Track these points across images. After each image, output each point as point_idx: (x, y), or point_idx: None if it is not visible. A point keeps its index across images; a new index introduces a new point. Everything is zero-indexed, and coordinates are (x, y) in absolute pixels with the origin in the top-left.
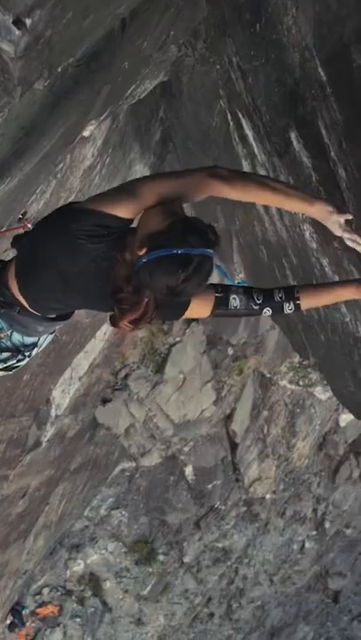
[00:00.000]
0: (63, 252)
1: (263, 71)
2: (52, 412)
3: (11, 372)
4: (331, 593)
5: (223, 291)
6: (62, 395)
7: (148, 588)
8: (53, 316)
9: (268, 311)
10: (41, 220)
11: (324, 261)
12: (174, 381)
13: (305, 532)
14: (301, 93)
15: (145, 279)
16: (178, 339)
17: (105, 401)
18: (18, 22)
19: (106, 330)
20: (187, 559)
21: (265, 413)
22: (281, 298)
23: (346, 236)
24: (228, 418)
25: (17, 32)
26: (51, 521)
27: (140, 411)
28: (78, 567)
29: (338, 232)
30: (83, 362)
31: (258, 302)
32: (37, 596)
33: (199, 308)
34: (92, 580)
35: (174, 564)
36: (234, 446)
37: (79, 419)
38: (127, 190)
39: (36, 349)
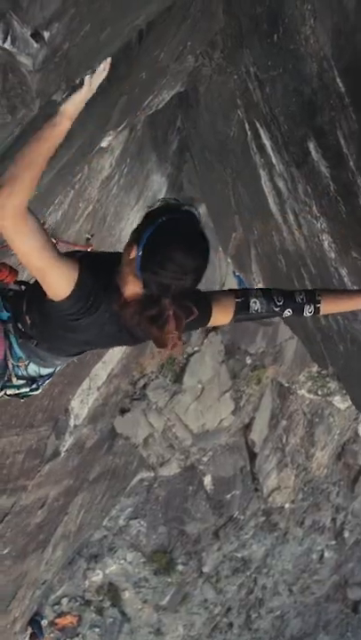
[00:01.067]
0: (72, 333)
1: (281, 81)
2: (71, 422)
3: (22, 400)
4: (350, 603)
5: (243, 295)
6: (81, 405)
7: (167, 598)
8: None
9: (288, 312)
10: (38, 298)
11: (343, 271)
12: (193, 391)
13: (324, 541)
14: (319, 103)
15: (154, 274)
16: (196, 348)
17: (123, 411)
18: (36, 35)
19: None
20: (206, 569)
21: (284, 423)
22: (302, 299)
23: None
24: (247, 427)
25: (35, 45)
26: (69, 531)
27: (159, 420)
28: (97, 577)
29: None
30: (101, 372)
31: (279, 304)
32: (56, 607)
33: (221, 315)
34: (111, 590)
35: (193, 574)
36: (253, 456)
37: (98, 429)
38: (42, 276)
39: (50, 379)
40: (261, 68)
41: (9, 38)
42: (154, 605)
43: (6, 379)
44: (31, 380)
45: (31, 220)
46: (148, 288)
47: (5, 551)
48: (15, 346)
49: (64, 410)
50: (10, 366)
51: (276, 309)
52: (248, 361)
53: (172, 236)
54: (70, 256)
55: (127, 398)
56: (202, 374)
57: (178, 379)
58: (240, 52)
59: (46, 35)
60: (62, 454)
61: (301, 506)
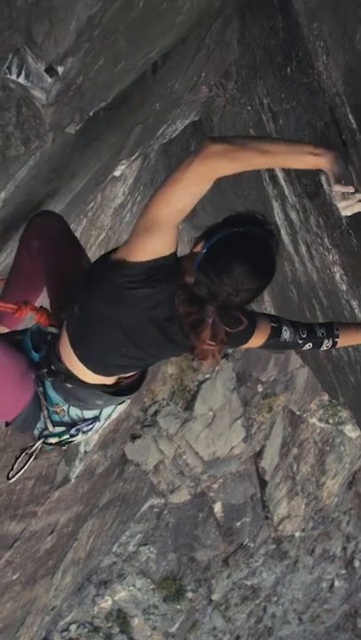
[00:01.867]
0: (119, 307)
1: (294, 114)
2: (81, 449)
3: (64, 447)
4: (360, 632)
5: (278, 321)
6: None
7: (177, 625)
8: (112, 381)
9: (309, 345)
10: (82, 286)
11: (355, 303)
12: (204, 418)
13: (334, 570)
14: (332, 137)
15: (207, 278)
16: (207, 375)
17: (134, 437)
18: (50, 70)
19: None
20: (215, 597)
21: (295, 451)
22: (322, 334)
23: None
24: (258, 455)
25: (49, 80)
26: (79, 557)
27: (170, 447)
28: (106, 604)
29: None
30: None
31: (303, 337)
32: (65, 633)
33: (256, 338)
34: (120, 617)
35: (203, 602)
36: (263, 484)
37: (108, 455)
38: (151, 228)
39: (99, 423)
40: (275, 100)
41: (23, 73)
42: (163, 632)
43: (43, 427)
44: (70, 426)
45: (204, 189)
46: (198, 287)
47: (15, 577)
48: (50, 391)
49: None
50: (44, 414)
51: (300, 341)
52: (259, 389)
53: (240, 248)
54: None
55: (138, 425)
56: (213, 402)
57: (189, 406)
58: (254, 84)
59: (60, 69)
60: (72, 480)
61: (312, 534)
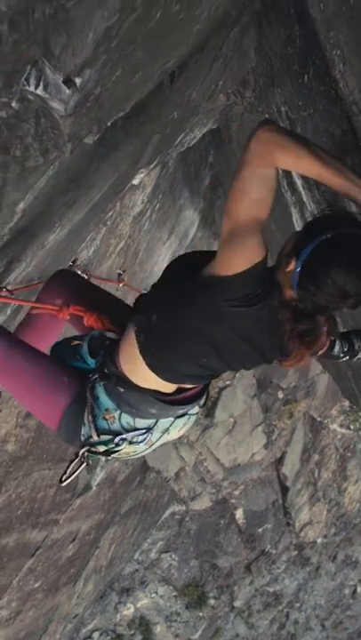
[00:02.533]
0: (215, 325)
1: (311, 121)
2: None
3: (109, 458)
4: None
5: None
6: None
7: (199, 632)
8: (170, 389)
9: (346, 358)
10: (165, 295)
11: None
12: (224, 425)
13: (357, 576)
14: (349, 145)
15: (310, 293)
16: (228, 382)
17: None
18: (68, 81)
19: None
20: (237, 603)
21: (316, 457)
22: (359, 347)
23: None
24: (279, 461)
25: (67, 91)
26: (101, 565)
27: (191, 454)
28: (128, 611)
29: None
30: None
31: (344, 350)
32: None
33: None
34: (143, 624)
35: (225, 609)
36: (285, 490)
37: (129, 463)
38: (235, 232)
39: (152, 435)
40: (293, 108)
41: (41, 84)
42: None
43: (88, 434)
44: (116, 434)
45: (269, 174)
46: (303, 304)
47: (37, 585)
48: (102, 395)
49: None
50: (89, 418)
51: (341, 355)
52: (280, 395)
53: (334, 255)
54: None
55: None
56: (234, 408)
57: (210, 413)
58: (271, 92)
59: (78, 81)
60: (94, 488)
61: (334, 540)
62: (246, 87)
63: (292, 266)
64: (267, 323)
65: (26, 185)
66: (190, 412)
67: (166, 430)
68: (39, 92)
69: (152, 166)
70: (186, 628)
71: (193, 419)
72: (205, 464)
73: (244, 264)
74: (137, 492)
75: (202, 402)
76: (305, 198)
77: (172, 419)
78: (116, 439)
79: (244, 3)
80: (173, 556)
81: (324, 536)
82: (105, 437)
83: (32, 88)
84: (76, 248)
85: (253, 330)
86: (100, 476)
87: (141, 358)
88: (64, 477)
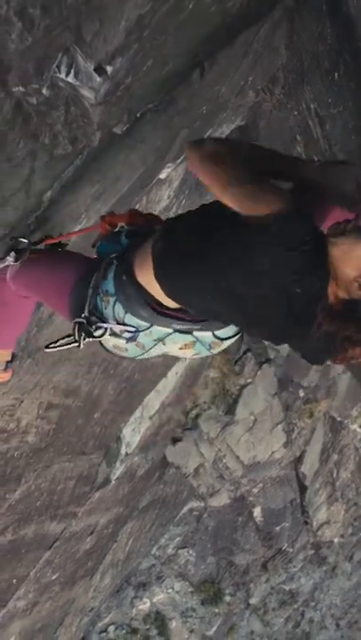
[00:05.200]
0: (241, 269)
1: (341, 118)
2: (122, 451)
3: (86, 340)
4: None
5: None
6: (132, 433)
7: (214, 628)
8: (171, 303)
9: None
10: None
11: None
12: (245, 422)
13: None
14: None
15: None
16: (249, 380)
17: (175, 440)
18: (99, 69)
19: (177, 369)
20: (253, 601)
21: (335, 457)
22: None
23: None
24: (298, 460)
25: (98, 79)
26: (118, 559)
27: (210, 451)
28: (144, 606)
29: None
30: (154, 401)
31: None
32: (103, 634)
33: None
34: (158, 619)
35: (240, 606)
36: (303, 489)
37: (149, 457)
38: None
39: (143, 338)
40: (322, 105)
41: (72, 72)
42: (201, 635)
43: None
44: (102, 321)
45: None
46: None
47: (54, 577)
48: (109, 277)
49: (116, 438)
50: (88, 292)
51: None
52: (301, 394)
53: None
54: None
55: (179, 428)
56: (254, 406)
57: (230, 410)
58: (301, 89)
59: (109, 69)
60: (113, 482)
61: (351, 541)
62: (276, 84)
63: None
64: (297, 301)
65: (53, 174)
66: (197, 334)
67: (161, 340)
68: (70, 79)
69: (179, 161)
70: (201, 623)
71: (203, 349)
72: (225, 461)
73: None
74: (156, 488)
75: (222, 332)
76: None
77: (169, 330)
78: (98, 324)
79: None
80: (190, 552)
81: (341, 536)
82: (94, 318)
83: (63, 75)
84: None
85: (280, 299)
86: (119, 469)
87: (151, 266)
88: (51, 345)
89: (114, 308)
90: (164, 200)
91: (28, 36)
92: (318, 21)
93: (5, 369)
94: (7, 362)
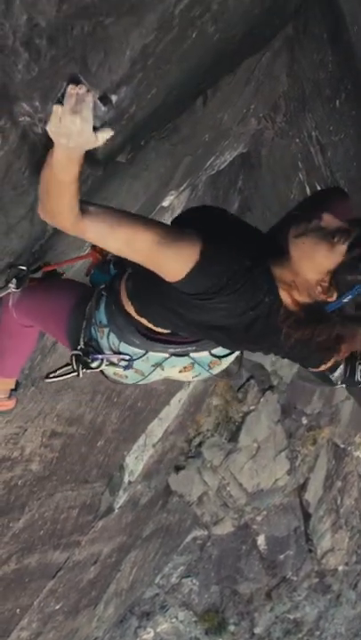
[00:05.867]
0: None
1: (342, 146)
2: (125, 479)
3: (83, 371)
4: None
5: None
6: (136, 461)
7: None
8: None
9: (341, 386)
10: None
11: None
12: (248, 450)
13: None
14: None
15: (348, 317)
16: (252, 407)
17: (178, 468)
18: (104, 98)
19: (180, 397)
20: (258, 630)
21: (338, 484)
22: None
23: None
24: (302, 487)
25: (103, 108)
26: (122, 588)
27: (214, 479)
28: (148, 635)
29: None
30: (157, 429)
31: (345, 376)
32: None
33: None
34: None
35: (245, 635)
36: (307, 516)
37: (152, 486)
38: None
39: (140, 365)
40: (323, 133)
41: None
42: None
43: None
44: (98, 352)
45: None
46: (329, 321)
47: (57, 607)
48: (101, 307)
49: (119, 466)
50: (83, 324)
51: (339, 382)
52: (304, 421)
53: None
54: (185, 227)
55: (182, 456)
56: (257, 433)
57: (233, 437)
58: (302, 116)
59: (114, 98)
60: (116, 511)
61: (355, 569)
62: (277, 112)
63: (330, 297)
64: (266, 322)
65: None
66: (194, 355)
67: (159, 365)
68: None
69: (182, 188)
70: None
71: (203, 370)
72: (228, 489)
73: (179, 271)
74: (159, 516)
75: (218, 351)
76: None
77: (166, 354)
78: (94, 355)
79: (277, 26)
80: (194, 581)
81: (346, 564)
82: (90, 349)
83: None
84: None
85: (254, 326)
86: (122, 498)
87: (129, 302)
88: (51, 375)
89: (108, 338)
90: None
91: (35, 66)
92: (319, 49)
93: (9, 397)
94: (11, 390)
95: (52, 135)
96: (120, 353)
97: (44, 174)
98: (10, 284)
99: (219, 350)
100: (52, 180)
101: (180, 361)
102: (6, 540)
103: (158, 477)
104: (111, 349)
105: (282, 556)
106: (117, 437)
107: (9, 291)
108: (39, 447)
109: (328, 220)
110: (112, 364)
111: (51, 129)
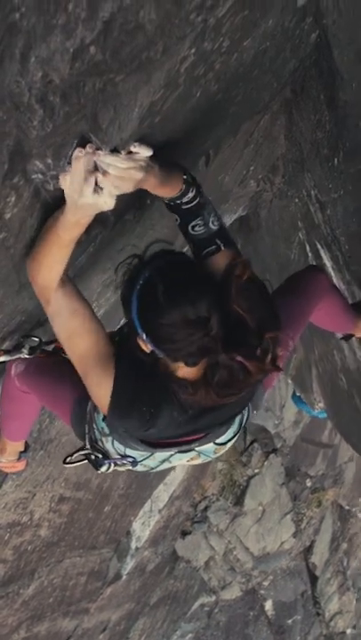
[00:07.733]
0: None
1: (341, 203)
2: (133, 545)
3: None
4: None
5: None
6: (142, 527)
7: None
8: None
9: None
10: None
11: None
12: (253, 513)
13: None
14: None
15: (177, 353)
16: (256, 470)
17: (184, 533)
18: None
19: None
20: None
21: (344, 545)
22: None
23: None
24: (308, 550)
25: None
26: None
27: (220, 543)
28: None
29: None
30: (163, 494)
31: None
32: None
33: None
34: None
35: None
36: (314, 579)
37: (159, 552)
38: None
39: (147, 462)
40: (322, 191)
41: None
42: None
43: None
44: (105, 456)
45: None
46: (191, 364)
47: None
48: (102, 415)
49: (126, 532)
50: (85, 429)
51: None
52: (308, 483)
53: (154, 302)
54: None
55: (188, 521)
56: (262, 496)
57: (239, 501)
58: (301, 177)
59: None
60: (124, 577)
61: None
62: (276, 173)
63: (145, 346)
64: (189, 411)
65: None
66: (199, 448)
67: (166, 460)
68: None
69: (185, 250)
70: None
71: (208, 457)
72: (235, 553)
73: (104, 400)
74: (166, 583)
75: (223, 438)
76: (335, 279)
77: (171, 452)
78: (101, 460)
79: (275, 89)
80: None
81: (354, 627)
82: (96, 453)
83: None
84: (109, 328)
85: (182, 419)
86: (130, 564)
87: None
88: (68, 459)
89: (113, 445)
90: None
91: (49, 122)
92: (316, 110)
93: (19, 459)
94: (21, 452)
95: (67, 196)
96: (127, 456)
97: (47, 227)
98: (23, 349)
99: (222, 438)
100: (53, 237)
101: (186, 455)
102: (16, 606)
103: (165, 543)
104: (117, 453)
105: (290, 621)
106: (124, 502)
107: (20, 356)
108: (48, 512)
109: None
110: (121, 464)
111: (66, 190)
